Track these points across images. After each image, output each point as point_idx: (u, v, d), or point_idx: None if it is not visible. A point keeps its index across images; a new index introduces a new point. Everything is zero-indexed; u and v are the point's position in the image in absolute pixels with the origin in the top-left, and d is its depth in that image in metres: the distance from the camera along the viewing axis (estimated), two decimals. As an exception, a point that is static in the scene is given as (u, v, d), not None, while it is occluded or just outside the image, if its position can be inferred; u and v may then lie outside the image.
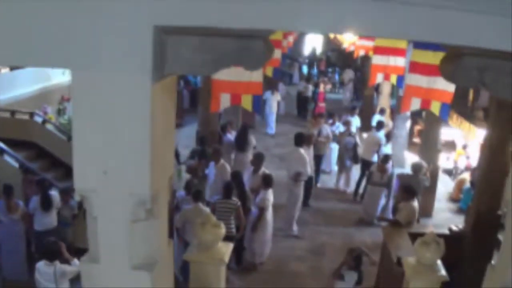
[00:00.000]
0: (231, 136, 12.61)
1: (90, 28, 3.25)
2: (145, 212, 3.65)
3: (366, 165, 12.97)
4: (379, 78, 11.79)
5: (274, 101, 18.17)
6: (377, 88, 19.72)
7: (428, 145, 11.96)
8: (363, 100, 20.65)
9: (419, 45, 8.40)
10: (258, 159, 10.21)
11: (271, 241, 9.78)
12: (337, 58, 29.98)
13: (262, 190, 9.28)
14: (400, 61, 11.41)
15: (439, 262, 6.64)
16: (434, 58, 8.24)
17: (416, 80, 8.46)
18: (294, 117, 21.09)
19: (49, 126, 13.02)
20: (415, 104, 8.65)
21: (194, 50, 3.41)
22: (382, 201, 11.65)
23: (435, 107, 8.52)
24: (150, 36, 3.25)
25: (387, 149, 12.84)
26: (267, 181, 9.30)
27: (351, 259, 7.27)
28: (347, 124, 14.44)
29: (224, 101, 8.06)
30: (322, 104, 19.57)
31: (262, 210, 9.21)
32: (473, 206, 8.78)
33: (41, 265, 7.00)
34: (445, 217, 11.94)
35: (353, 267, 7.26)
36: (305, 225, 11.41)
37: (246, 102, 8.06)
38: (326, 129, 13.85)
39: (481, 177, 8.74)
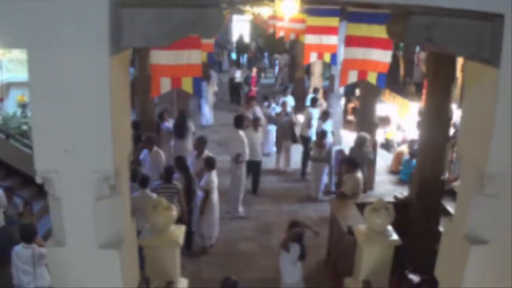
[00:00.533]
0: (168, 123, 12.52)
1: (45, 5, 3.20)
2: (109, 189, 3.64)
3: (306, 141, 13.36)
4: (312, 57, 11.90)
5: (210, 92, 18.09)
6: (307, 70, 20.07)
7: (365, 121, 12.32)
8: (294, 83, 20.99)
9: (354, 19, 8.64)
10: (200, 143, 10.23)
11: (218, 224, 9.85)
12: (266, 44, 30.22)
13: (205, 173, 9.33)
14: (333, 39, 11.53)
15: (389, 227, 6.94)
16: (368, 30, 8.54)
17: (352, 53, 8.69)
18: (227, 103, 21.20)
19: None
20: (352, 76, 8.88)
21: (150, 21, 3.43)
22: (325, 177, 11.97)
23: (372, 77, 8.78)
24: (106, 10, 3.24)
25: (327, 126, 13.15)
26: (210, 163, 9.35)
27: (293, 232, 7.40)
28: (283, 105, 14.67)
29: (164, 85, 7.98)
30: (254, 89, 19.74)
31: (207, 192, 9.26)
32: (416, 173, 9.16)
33: (19, 248, 6.90)
34: (386, 189, 12.37)
35: (295, 240, 7.38)
36: (250, 206, 11.55)
37: (187, 85, 8.02)
38: (259, 111, 14.07)
39: (422, 146, 9.10)
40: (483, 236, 4.04)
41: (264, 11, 16.99)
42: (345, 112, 17.50)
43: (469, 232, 4.08)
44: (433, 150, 8.80)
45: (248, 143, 11.08)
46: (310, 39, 11.87)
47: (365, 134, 11.17)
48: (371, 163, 11.57)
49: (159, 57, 7.83)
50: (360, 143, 11.02)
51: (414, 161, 12.20)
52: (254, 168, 11.76)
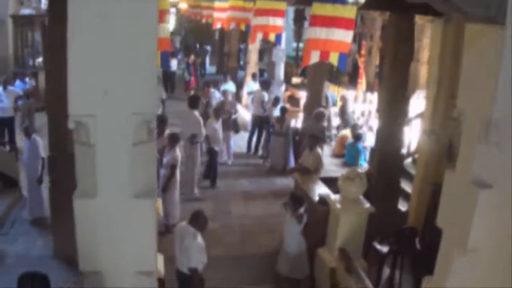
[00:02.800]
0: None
1: None
2: (147, 133, 3.51)
3: (259, 120, 13.73)
4: (259, 37, 12.39)
5: None
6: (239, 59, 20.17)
7: (314, 107, 12.55)
8: (228, 72, 21.03)
9: (320, -1, 8.79)
10: (160, 122, 10.02)
11: (179, 203, 9.71)
12: (194, 35, 30.03)
13: (169, 149, 9.17)
14: (279, 21, 11.95)
15: (361, 196, 7.17)
16: (333, 10, 8.68)
17: (315, 32, 8.79)
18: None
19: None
20: (315, 57, 8.99)
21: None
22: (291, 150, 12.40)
23: (334, 58, 8.94)
24: None
25: (277, 112, 13.36)
26: (174, 138, 9.24)
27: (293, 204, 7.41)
28: (224, 94, 14.75)
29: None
30: (192, 78, 19.58)
31: (174, 167, 9.11)
32: (376, 149, 9.43)
33: None
34: (332, 170, 12.59)
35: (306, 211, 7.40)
36: (204, 188, 11.46)
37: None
38: (216, 97, 14.09)
39: (382, 125, 9.34)
40: (488, 181, 4.26)
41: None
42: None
43: (475, 179, 4.30)
44: (392, 126, 9.11)
45: (211, 133, 11.11)
46: (257, 20, 12.10)
47: (323, 109, 11.50)
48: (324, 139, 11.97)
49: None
50: (318, 117, 11.31)
51: (358, 144, 12.63)
52: (213, 156, 11.65)
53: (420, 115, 10.33)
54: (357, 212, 7.11)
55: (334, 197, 7.38)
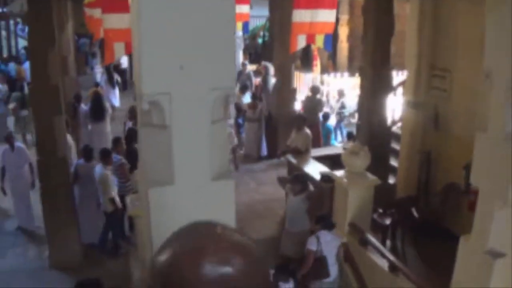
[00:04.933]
0: (85, 106, 11.57)
1: None
2: (224, 110, 3.25)
3: None
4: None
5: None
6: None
7: (284, 89, 12.51)
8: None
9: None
10: (135, 112, 9.60)
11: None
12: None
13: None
14: (245, 8, 11.40)
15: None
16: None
17: (300, 15, 8.62)
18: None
19: None
20: (301, 41, 8.84)
21: None
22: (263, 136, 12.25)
23: (319, 41, 8.85)
24: None
25: (246, 99, 13.19)
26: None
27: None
28: None
29: (119, 50, 7.35)
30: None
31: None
32: (363, 123, 9.36)
33: None
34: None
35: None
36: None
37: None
38: None
39: (366, 100, 9.23)
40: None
41: None
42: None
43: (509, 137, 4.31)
44: (377, 100, 9.09)
45: None
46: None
47: (318, 84, 11.77)
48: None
49: (113, 20, 7.21)
50: (314, 91, 11.74)
51: (327, 123, 12.56)
52: None
53: (402, 84, 10.40)
54: (364, 185, 7.07)
55: (338, 173, 7.28)
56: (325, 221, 6.36)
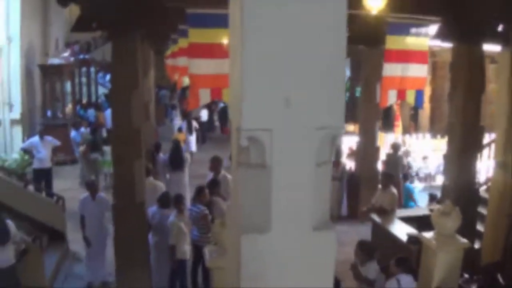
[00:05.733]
0: (164, 155, 11.60)
1: None
2: (329, 152, 2.91)
3: None
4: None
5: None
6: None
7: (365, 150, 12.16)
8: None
9: (393, 31, 8.39)
10: (217, 162, 9.49)
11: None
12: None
13: None
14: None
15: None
16: (406, 43, 8.32)
17: (391, 69, 8.40)
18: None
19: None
20: (392, 97, 8.57)
21: None
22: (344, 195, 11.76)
23: (410, 97, 8.57)
24: None
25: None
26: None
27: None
28: None
29: (204, 96, 7.29)
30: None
31: None
32: (450, 184, 8.84)
33: None
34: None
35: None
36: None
37: (228, 96, 7.34)
38: None
39: (453, 159, 8.81)
40: None
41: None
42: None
43: None
44: (465, 159, 8.61)
45: None
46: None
47: (399, 141, 11.73)
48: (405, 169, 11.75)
49: (199, 66, 7.17)
50: (395, 148, 11.43)
51: (406, 183, 11.97)
52: None
53: (489, 145, 9.85)
54: (454, 248, 6.62)
55: (426, 234, 6.86)
56: (405, 264, 6.28)
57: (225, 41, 6.92)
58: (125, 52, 6.97)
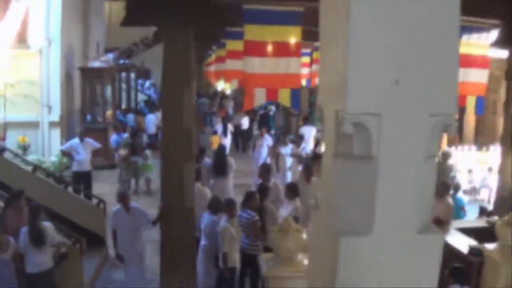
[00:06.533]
0: (208, 160, 11.35)
1: None
2: (438, 144, 2.56)
3: None
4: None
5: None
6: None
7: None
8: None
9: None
10: (266, 170, 9.18)
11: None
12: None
13: (288, 201, 8.16)
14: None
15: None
16: (467, 48, 7.91)
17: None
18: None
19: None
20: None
21: None
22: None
23: (471, 103, 8.16)
24: None
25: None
26: (295, 190, 8.17)
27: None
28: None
29: (259, 97, 7.00)
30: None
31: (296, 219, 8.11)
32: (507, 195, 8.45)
33: None
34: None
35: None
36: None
37: (284, 97, 7.05)
38: None
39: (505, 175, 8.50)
40: None
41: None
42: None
43: None
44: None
45: None
46: None
47: (449, 149, 11.53)
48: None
49: (254, 65, 6.89)
50: (445, 156, 11.05)
51: (456, 195, 11.41)
52: None
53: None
54: None
55: (489, 246, 6.70)
56: (460, 275, 6.08)
57: (292, 39, 6.65)
58: (177, 47, 6.72)
